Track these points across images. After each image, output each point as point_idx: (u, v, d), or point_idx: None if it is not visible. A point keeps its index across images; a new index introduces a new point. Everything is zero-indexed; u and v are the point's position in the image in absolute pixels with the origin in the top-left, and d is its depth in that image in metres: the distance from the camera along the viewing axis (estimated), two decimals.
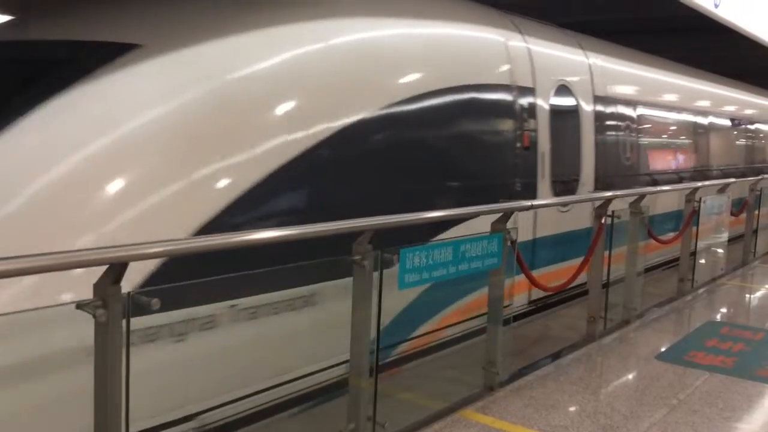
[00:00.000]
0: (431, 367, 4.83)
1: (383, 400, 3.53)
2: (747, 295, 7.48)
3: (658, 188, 7.36)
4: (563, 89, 6.43)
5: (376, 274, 3.28)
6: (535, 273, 5.15)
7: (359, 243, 3.27)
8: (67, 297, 2.61)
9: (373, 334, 3.34)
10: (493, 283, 4.28)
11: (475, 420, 3.76)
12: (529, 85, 5.93)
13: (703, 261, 7.47)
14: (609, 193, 5.76)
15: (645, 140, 8.43)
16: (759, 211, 9.17)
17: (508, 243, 4.21)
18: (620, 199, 5.77)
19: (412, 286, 3.51)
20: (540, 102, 6.05)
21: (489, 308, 4.31)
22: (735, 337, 5.47)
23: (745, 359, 4.92)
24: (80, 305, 2.30)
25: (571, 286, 5.47)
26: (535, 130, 5.93)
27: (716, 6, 8.39)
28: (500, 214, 4.26)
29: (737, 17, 9.42)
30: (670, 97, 9.89)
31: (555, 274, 5.89)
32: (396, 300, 4.18)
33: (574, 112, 6.66)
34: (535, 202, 4.91)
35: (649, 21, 10.91)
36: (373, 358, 3.38)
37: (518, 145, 5.74)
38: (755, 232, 9.10)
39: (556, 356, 4.91)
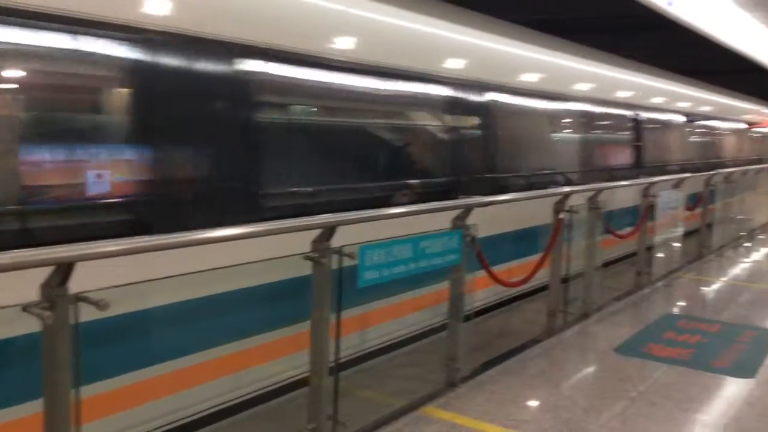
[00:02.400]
0: (393, 364, 4.81)
1: (345, 399, 3.50)
2: (703, 288, 7.62)
3: (615, 183, 7.44)
4: None
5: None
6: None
7: (318, 240, 3.23)
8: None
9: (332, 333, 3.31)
10: (453, 279, 4.27)
11: (436, 416, 3.75)
12: None
13: (660, 255, 7.61)
14: (567, 189, 5.82)
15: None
16: (713, 206, 9.35)
17: (468, 239, 4.22)
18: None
19: (371, 283, 3.48)
20: None
21: (450, 304, 4.31)
22: (691, 329, 5.57)
23: (701, 351, 5.01)
24: (26, 307, 2.23)
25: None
26: None
27: (669, 4, 8.53)
28: (460, 211, 4.27)
29: (690, 15, 9.59)
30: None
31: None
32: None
33: None
34: (494, 199, 4.92)
35: (605, 19, 11.07)
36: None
37: None
38: (710, 226, 9.28)
39: (517, 351, 4.93)
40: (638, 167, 9.77)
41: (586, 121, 8.58)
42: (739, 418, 3.88)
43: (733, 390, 4.32)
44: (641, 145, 10.03)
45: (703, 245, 9.16)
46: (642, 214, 7.11)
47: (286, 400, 3.84)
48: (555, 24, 9.31)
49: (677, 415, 3.88)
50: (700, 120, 13.55)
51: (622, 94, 9.69)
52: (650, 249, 7.28)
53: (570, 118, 8.37)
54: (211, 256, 3.02)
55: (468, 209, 4.28)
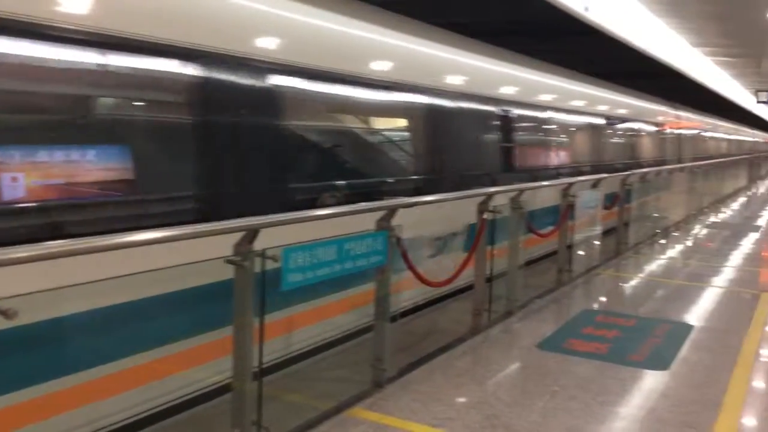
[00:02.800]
0: (320, 367, 4.79)
1: (270, 403, 3.46)
2: (620, 284, 7.91)
3: (537, 184, 7.62)
4: None
5: None
6: None
7: (240, 243, 3.18)
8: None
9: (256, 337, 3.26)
10: (379, 280, 4.28)
11: (363, 417, 3.76)
12: None
13: (580, 252, 7.84)
14: (491, 189, 5.92)
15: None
16: (629, 205, 9.69)
17: (393, 240, 4.24)
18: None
19: (295, 285, 3.45)
20: None
21: (376, 305, 4.32)
22: (609, 324, 5.76)
23: (618, 345, 5.19)
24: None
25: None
26: None
27: (586, 9, 8.82)
28: (385, 212, 4.29)
29: (606, 20, 9.94)
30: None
31: None
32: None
33: None
34: (419, 199, 4.96)
35: (523, 23, 11.33)
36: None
37: None
38: (627, 224, 9.63)
39: (443, 350, 4.98)
40: (501, 171, 8.05)
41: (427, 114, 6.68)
42: (654, 409, 4.03)
43: (648, 382, 4.49)
44: (509, 146, 8.38)
45: (621, 242, 9.50)
46: (562, 213, 7.32)
47: (211, 406, 3.77)
48: (475, 26, 9.48)
49: (595, 408, 4.00)
50: (587, 119, 11.82)
51: (478, 84, 7.81)
52: (570, 247, 7.48)
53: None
54: (139, 261, 2.95)
55: (392, 210, 4.30)
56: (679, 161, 17.41)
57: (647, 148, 15.61)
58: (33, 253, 2.47)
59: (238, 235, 3.19)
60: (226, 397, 3.34)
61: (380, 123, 6.74)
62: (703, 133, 22.81)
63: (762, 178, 29.29)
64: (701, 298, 7.00)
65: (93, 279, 2.89)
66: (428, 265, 5.67)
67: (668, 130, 17.62)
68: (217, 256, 3.16)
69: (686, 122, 19.91)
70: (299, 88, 5.04)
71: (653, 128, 16.30)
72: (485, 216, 5.56)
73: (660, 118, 16.94)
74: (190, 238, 3.07)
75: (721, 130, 27.04)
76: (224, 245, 3.18)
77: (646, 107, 16.10)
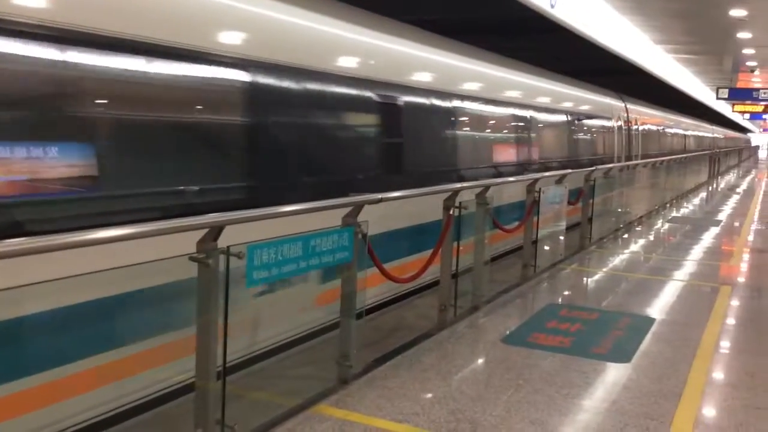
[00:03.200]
0: (285, 364, 4.78)
1: (234, 402, 3.44)
2: (584, 278, 8.02)
3: (503, 179, 7.69)
4: None
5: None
6: None
7: (203, 240, 3.16)
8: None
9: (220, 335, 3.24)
10: (344, 277, 4.28)
11: (329, 414, 3.76)
12: None
13: (545, 247, 7.93)
14: (457, 185, 5.95)
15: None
16: (593, 200, 9.81)
17: (359, 236, 4.24)
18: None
19: (261, 282, 3.44)
20: None
21: (342, 302, 4.32)
22: (573, 317, 5.84)
23: (581, 338, 5.26)
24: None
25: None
26: None
27: (552, 6, 8.90)
28: (350, 208, 4.28)
29: (572, 18, 10.05)
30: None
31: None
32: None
33: None
34: (385, 195, 4.96)
35: (489, 20, 11.39)
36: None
37: None
38: (590, 219, 9.76)
39: (409, 345, 5.00)
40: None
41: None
42: (616, 401, 4.11)
43: (610, 375, 4.57)
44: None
45: (585, 237, 9.63)
46: (527, 208, 7.39)
47: (174, 406, 3.74)
48: (444, 23, 9.52)
49: (559, 400, 4.06)
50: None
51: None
52: (535, 242, 7.56)
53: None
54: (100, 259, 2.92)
55: (359, 206, 4.30)
56: (627, 159, 15.70)
57: (562, 145, 12.16)
58: None
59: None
60: (190, 396, 3.31)
61: None
62: (655, 128, 20.81)
63: (722, 173, 29.90)
64: (663, 292, 7.13)
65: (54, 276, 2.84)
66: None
67: (599, 124, 14.53)
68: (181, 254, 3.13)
69: (642, 117, 18.24)
70: None
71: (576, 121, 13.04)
72: (451, 212, 5.59)
73: (588, 109, 13.76)
74: (153, 235, 3.03)
75: (680, 126, 26.00)
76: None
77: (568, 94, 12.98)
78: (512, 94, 9.98)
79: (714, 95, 22.66)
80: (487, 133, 9.35)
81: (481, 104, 8.77)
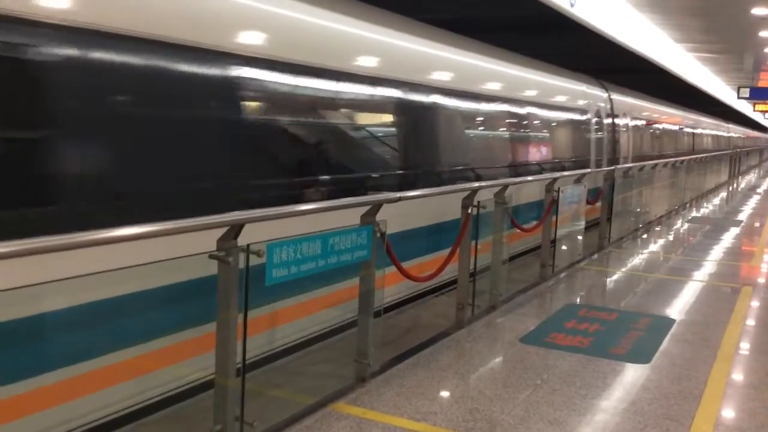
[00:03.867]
0: (304, 362, 4.80)
1: (253, 399, 3.46)
2: (603, 278, 7.97)
3: (521, 179, 7.66)
4: None
5: None
6: None
7: (223, 238, 3.18)
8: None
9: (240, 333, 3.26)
10: (363, 275, 4.29)
11: (346, 412, 3.77)
12: None
13: (563, 247, 7.89)
14: (475, 184, 5.94)
15: None
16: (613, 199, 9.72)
17: (378, 235, 4.25)
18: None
19: (280, 280, 3.45)
20: None
21: (360, 300, 4.33)
22: (591, 318, 5.81)
23: (600, 339, 5.23)
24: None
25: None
26: None
27: (572, 5, 8.85)
28: (369, 207, 4.30)
29: (591, 16, 9.99)
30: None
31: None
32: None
33: None
34: (404, 194, 4.97)
35: (510, 20, 11.32)
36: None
37: None
38: (609, 219, 9.69)
39: (426, 344, 5.01)
40: None
41: None
42: (635, 402, 4.08)
43: (629, 375, 4.54)
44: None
45: (603, 237, 9.57)
46: (546, 208, 7.36)
47: (195, 402, 3.77)
48: (466, 23, 9.50)
49: (577, 401, 4.04)
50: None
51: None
52: (554, 242, 7.52)
53: None
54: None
55: (377, 205, 4.31)
56: (612, 162, 12.85)
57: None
58: (10, 249, 2.45)
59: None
60: (209, 392, 3.34)
61: None
62: (655, 125, 17.93)
63: (743, 173, 29.59)
64: (682, 292, 7.07)
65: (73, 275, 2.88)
66: None
67: (565, 118, 11.27)
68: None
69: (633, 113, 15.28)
70: None
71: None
72: (470, 211, 5.58)
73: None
74: (172, 233, 3.06)
75: (687, 123, 22.85)
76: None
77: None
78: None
79: (735, 95, 22.41)
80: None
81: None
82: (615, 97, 13.80)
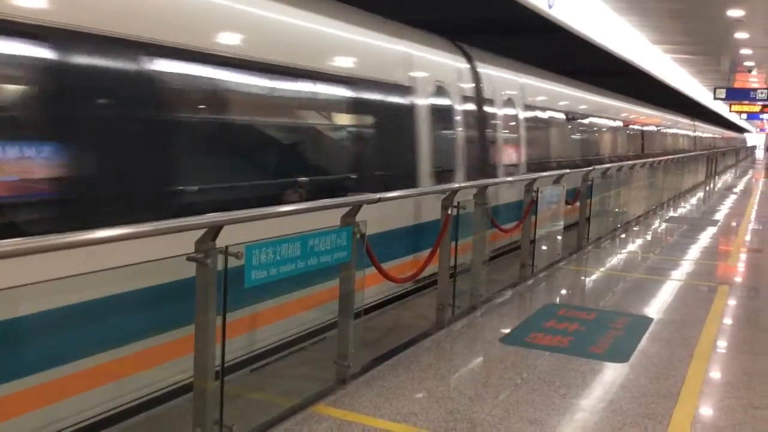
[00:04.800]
0: (284, 364, 4.78)
1: (232, 402, 3.44)
2: (582, 278, 8.03)
3: (500, 179, 7.69)
4: None
5: None
6: None
7: (201, 240, 3.15)
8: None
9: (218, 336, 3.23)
10: (343, 276, 4.28)
11: (327, 414, 3.76)
12: None
13: (543, 247, 7.93)
14: (455, 185, 5.95)
15: None
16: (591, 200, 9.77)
17: (358, 236, 4.24)
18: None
19: (259, 282, 3.43)
20: None
21: (340, 302, 4.32)
22: (571, 317, 5.85)
23: (579, 338, 5.27)
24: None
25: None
26: None
27: (550, 7, 8.91)
28: (349, 208, 4.29)
29: (570, 18, 10.06)
30: None
31: None
32: None
33: None
34: (383, 195, 4.96)
35: (488, 21, 11.36)
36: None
37: None
38: (588, 219, 9.75)
39: (407, 345, 5.00)
40: None
41: None
42: (614, 400, 4.11)
43: (608, 374, 4.57)
44: None
45: (582, 237, 9.63)
46: (525, 208, 7.39)
47: (173, 406, 3.74)
48: (444, 24, 9.51)
49: (556, 400, 4.06)
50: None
51: None
52: (533, 242, 7.56)
53: None
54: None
55: (357, 206, 4.30)
56: (472, 169, 8.09)
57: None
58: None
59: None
60: (188, 396, 3.31)
61: None
62: (572, 117, 13.10)
63: (719, 173, 29.94)
64: (660, 291, 7.13)
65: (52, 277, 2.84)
66: None
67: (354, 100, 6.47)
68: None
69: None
70: None
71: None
72: (449, 211, 5.59)
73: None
74: (151, 235, 3.03)
75: (630, 118, 18.32)
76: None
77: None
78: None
79: (711, 95, 22.70)
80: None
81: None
82: (485, 71, 8.91)
